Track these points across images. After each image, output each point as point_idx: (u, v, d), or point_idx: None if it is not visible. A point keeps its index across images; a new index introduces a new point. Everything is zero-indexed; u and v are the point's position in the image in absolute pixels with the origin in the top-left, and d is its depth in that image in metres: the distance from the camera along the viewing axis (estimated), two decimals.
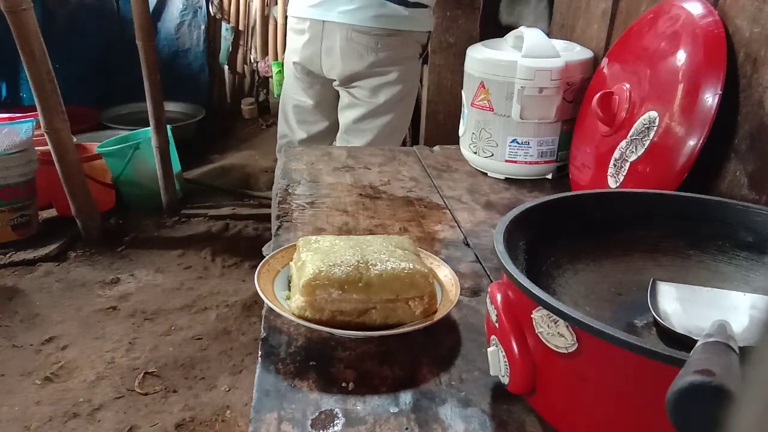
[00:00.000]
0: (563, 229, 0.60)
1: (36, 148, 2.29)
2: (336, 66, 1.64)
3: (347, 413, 0.53)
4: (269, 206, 1.00)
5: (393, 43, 1.57)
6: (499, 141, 1.04)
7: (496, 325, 0.50)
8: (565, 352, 0.43)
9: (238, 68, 3.58)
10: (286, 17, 1.82)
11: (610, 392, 0.43)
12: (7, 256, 2.29)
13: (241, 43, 3.53)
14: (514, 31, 1.06)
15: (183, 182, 2.79)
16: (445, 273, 0.69)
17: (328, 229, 0.88)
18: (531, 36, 0.99)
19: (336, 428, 0.51)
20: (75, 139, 2.33)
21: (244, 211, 2.66)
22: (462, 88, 1.10)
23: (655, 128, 0.78)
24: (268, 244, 1.20)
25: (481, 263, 0.80)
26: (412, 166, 1.15)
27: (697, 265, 0.61)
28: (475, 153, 1.08)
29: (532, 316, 0.46)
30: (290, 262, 0.68)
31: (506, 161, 1.04)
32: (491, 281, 0.74)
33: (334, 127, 1.78)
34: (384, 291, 0.60)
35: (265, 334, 0.63)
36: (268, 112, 3.60)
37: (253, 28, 3.74)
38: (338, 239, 0.67)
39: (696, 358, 0.33)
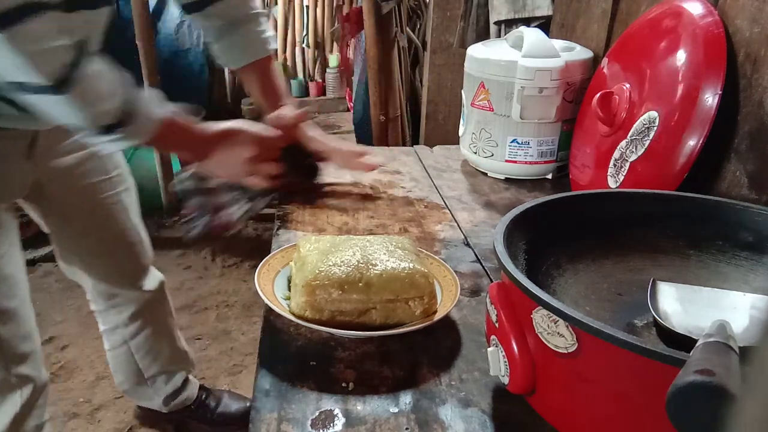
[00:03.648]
0: (563, 229, 0.60)
1: None
2: None
3: (347, 413, 0.53)
4: (269, 206, 0.99)
5: None
6: (499, 141, 1.04)
7: (496, 325, 0.50)
8: (565, 352, 0.43)
9: None
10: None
11: (610, 392, 0.43)
12: None
13: None
14: (514, 30, 1.06)
15: None
16: (445, 273, 0.69)
17: (328, 229, 0.88)
18: (531, 36, 0.99)
19: (336, 428, 0.51)
20: None
21: None
22: (462, 88, 1.10)
23: (655, 128, 0.78)
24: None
25: (481, 263, 0.80)
26: (412, 166, 1.15)
27: (697, 265, 0.61)
28: (475, 153, 1.08)
29: (532, 316, 0.46)
30: (290, 262, 0.68)
31: (506, 161, 1.04)
32: (491, 281, 0.74)
33: None
34: (384, 291, 0.60)
35: (265, 334, 0.63)
36: None
37: None
38: (338, 239, 0.67)
39: (696, 358, 0.33)
